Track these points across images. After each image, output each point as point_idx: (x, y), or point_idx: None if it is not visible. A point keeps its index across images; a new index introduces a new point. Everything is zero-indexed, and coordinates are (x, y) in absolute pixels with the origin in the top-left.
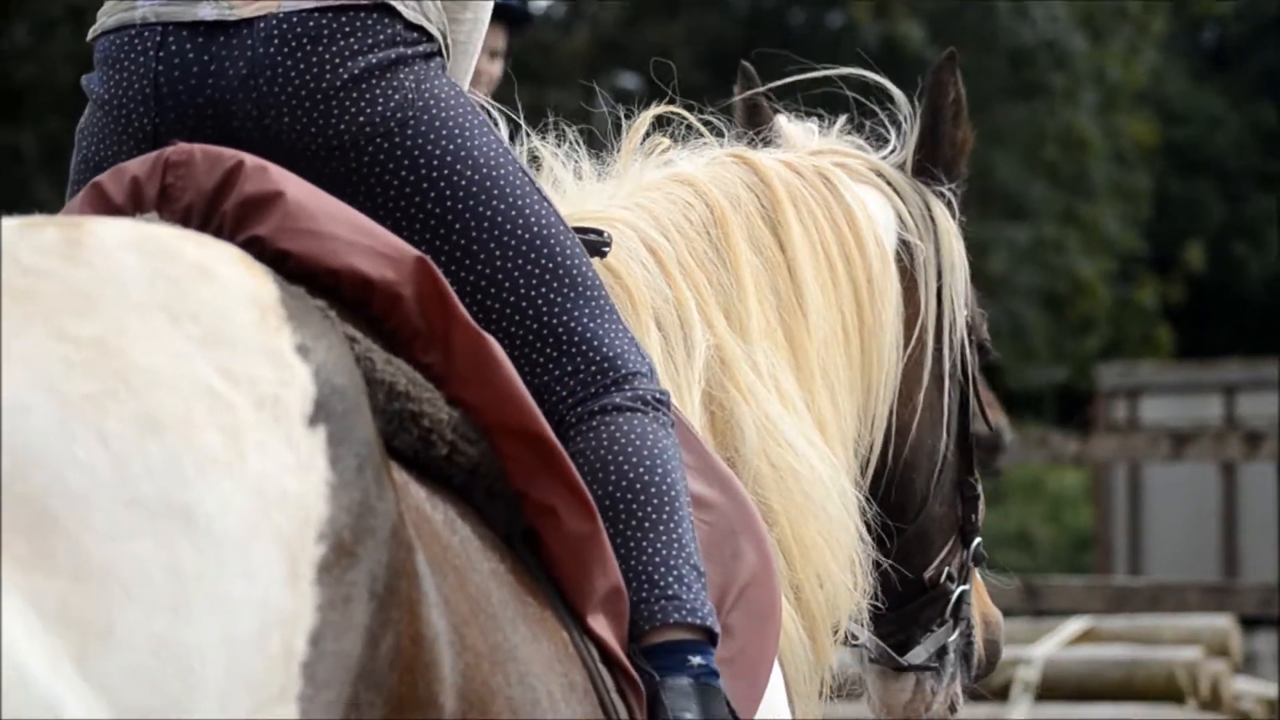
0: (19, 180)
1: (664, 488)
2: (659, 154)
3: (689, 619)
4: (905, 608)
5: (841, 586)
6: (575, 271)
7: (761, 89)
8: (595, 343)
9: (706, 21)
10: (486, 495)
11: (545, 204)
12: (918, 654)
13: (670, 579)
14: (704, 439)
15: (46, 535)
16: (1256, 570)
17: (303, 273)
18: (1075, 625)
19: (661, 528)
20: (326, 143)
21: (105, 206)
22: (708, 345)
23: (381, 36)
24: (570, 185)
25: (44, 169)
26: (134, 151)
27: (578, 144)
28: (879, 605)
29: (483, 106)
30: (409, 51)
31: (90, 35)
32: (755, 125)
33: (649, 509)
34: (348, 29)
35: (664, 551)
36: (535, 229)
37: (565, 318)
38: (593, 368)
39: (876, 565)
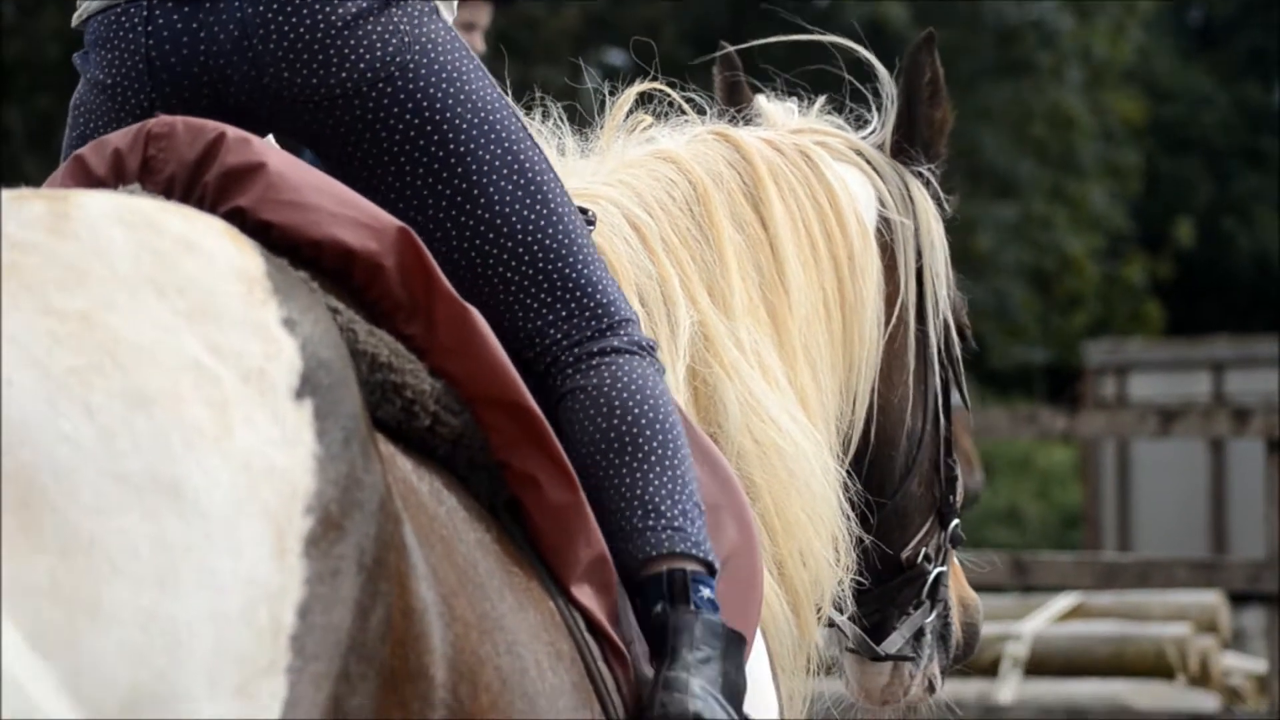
0: (7, 158)
1: (665, 426)
2: (641, 131)
3: (693, 550)
4: (882, 587)
5: (824, 563)
6: (568, 218)
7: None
8: (590, 288)
9: None
10: (469, 466)
11: (537, 149)
12: (894, 641)
13: (675, 511)
14: (688, 414)
15: (34, 510)
16: (1245, 546)
17: (285, 244)
18: (1064, 601)
19: (665, 463)
20: (329, 92)
21: (87, 179)
22: (691, 322)
23: None
24: (554, 162)
25: (32, 146)
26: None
27: (562, 121)
28: (861, 582)
29: None
30: None
31: (75, 21)
32: (735, 104)
33: (654, 444)
34: None
35: (669, 485)
36: (531, 174)
37: (561, 263)
38: (588, 312)
39: (859, 542)
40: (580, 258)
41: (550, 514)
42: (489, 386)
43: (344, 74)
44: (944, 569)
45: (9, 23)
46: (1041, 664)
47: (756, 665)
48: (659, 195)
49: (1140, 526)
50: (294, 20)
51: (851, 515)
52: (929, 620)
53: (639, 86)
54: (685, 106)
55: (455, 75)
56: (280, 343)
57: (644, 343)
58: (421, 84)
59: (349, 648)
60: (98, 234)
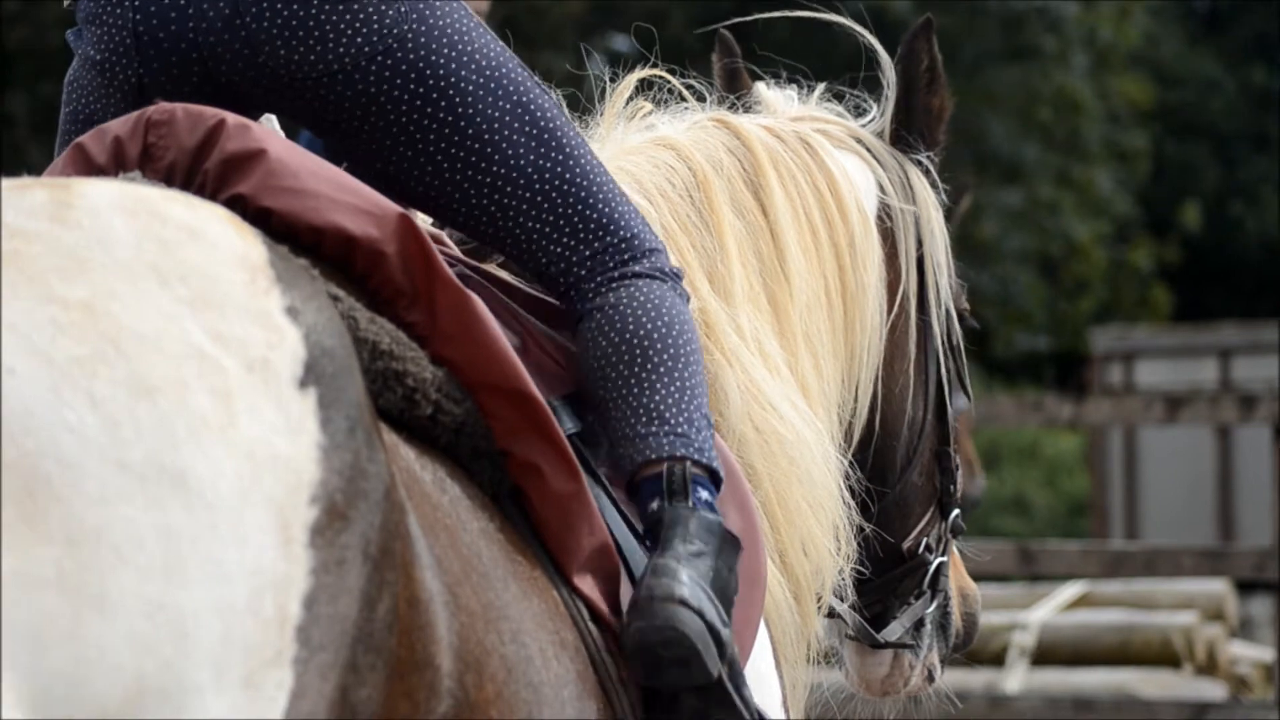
0: (11, 145)
1: (681, 342)
2: (641, 118)
3: (696, 455)
4: (883, 577)
5: (825, 552)
6: (584, 159)
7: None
8: (612, 224)
9: None
10: (472, 454)
11: (546, 96)
12: (894, 630)
13: (681, 419)
14: None
15: (39, 500)
16: (1252, 534)
17: (285, 231)
18: (1071, 590)
19: (676, 375)
20: (328, 68)
21: (88, 167)
22: (693, 309)
23: None
24: None
25: (35, 133)
26: (121, 105)
27: (562, 107)
28: (862, 571)
29: None
30: None
31: (67, 1)
32: (734, 91)
33: (665, 356)
34: None
35: (676, 395)
36: (543, 122)
37: (581, 205)
38: (611, 246)
39: (860, 531)
40: (600, 195)
41: (553, 502)
42: (491, 373)
43: (341, 49)
44: (944, 559)
45: (13, 10)
46: (1048, 653)
47: (759, 655)
48: (659, 182)
49: (1147, 514)
50: None
51: (853, 504)
52: (929, 610)
53: (639, 73)
54: (685, 93)
55: (455, 38)
56: (283, 331)
57: (667, 269)
58: (422, 52)
59: (355, 638)
60: (100, 222)
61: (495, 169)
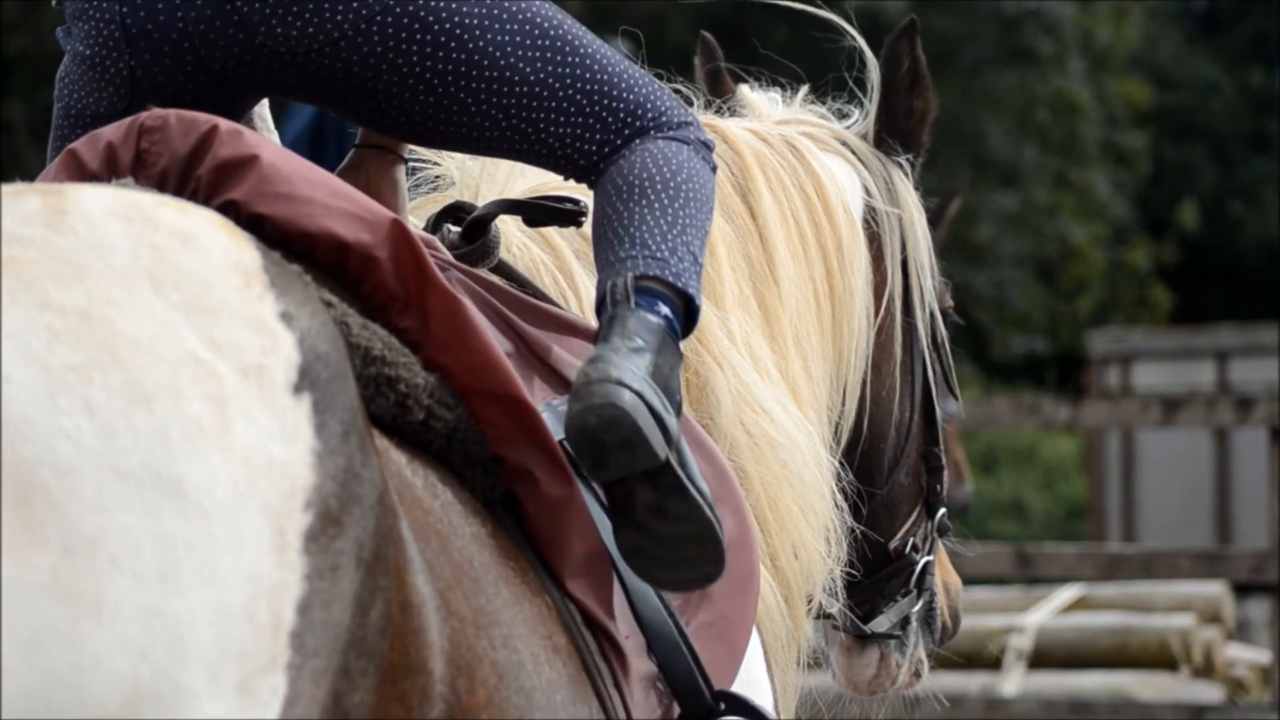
0: (10, 151)
1: (682, 181)
2: None
3: (670, 278)
4: (871, 577)
5: (816, 554)
6: (601, 54)
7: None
8: (643, 106)
9: None
10: (464, 460)
11: (547, 5)
12: (880, 624)
13: (664, 248)
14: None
15: (35, 508)
16: (1250, 536)
17: (278, 237)
18: (1068, 593)
19: (669, 208)
20: (328, 38)
21: (81, 173)
22: None
23: None
24: None
25: (35, 140)
26: (114, 98)
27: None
28: (853, 574)
29: None
30: None
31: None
32: (718, 94)
33: (661, 192)
34: None
35: (665, 226)
36: (553, 31)
37: (609, 99)
38: (645, 124)
39: (850, 533)
40: (623, 85)
41: (546, 508)
42: (483, 379)
43: (340, 16)
44: (931, 558)
45: (12, 18)
46: (1045, 656)
47: (752, 659)
48: None
49: (1145, 517)
50: None
51: (844, 506)
52: (915, 609)
53: None
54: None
55: None
56: (278, 337)
57: (693, 137)
58: (419, 4)
59: (348, 643)
60: (95, 228)
61: (518, 90)
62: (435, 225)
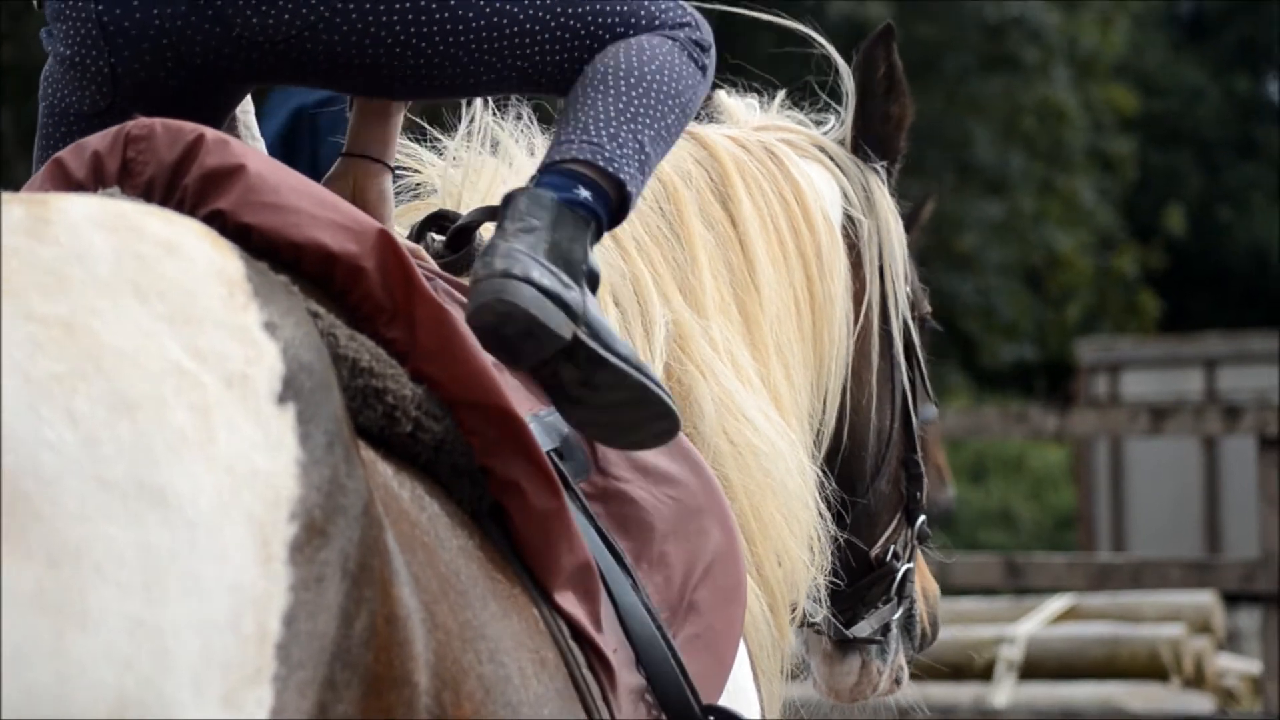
0: None
1: (656, 79)
2: None
3: (600, 162)
4: (852, 585)
5: (799, 563)
6: None
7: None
8: (636, 14)
9: None
10: (452, 472)
11: None
12: (863, 629)
13: (604, 134)
14: None
15: (19, 518)
16: (1240, 545)
17: (266, 247)
18: (1058, 603)
19: (626, 98)
20: (305, 23)
21: (66, 182)
22: (666, 321)
23: None
24: (522, 160)
25: (23, 150)
26: (97, 95)
27: (531, 120)
28: (836, 582)
29: None
30: None
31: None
32: None
33: (624, 83)
34: None
35: (612, 114)
36: None
37: (600, 15)
38: (632, 29)
39: (834, 541)
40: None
41: (533, 520)
42: (471, 390)
43: (313, 1)
44: (912, 565)
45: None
46: (1036, 667)
47: (739, 669)
48: None
49: (1134, 526)
50: None
51: (827, 514)
52: (896, 615)
53: None
54: None
55: None
56: (262, 346)
57: (685, 36)
58: None
59: (334, 655)
60: (78, 238)
61: (509, 32)
62: (419, 234)
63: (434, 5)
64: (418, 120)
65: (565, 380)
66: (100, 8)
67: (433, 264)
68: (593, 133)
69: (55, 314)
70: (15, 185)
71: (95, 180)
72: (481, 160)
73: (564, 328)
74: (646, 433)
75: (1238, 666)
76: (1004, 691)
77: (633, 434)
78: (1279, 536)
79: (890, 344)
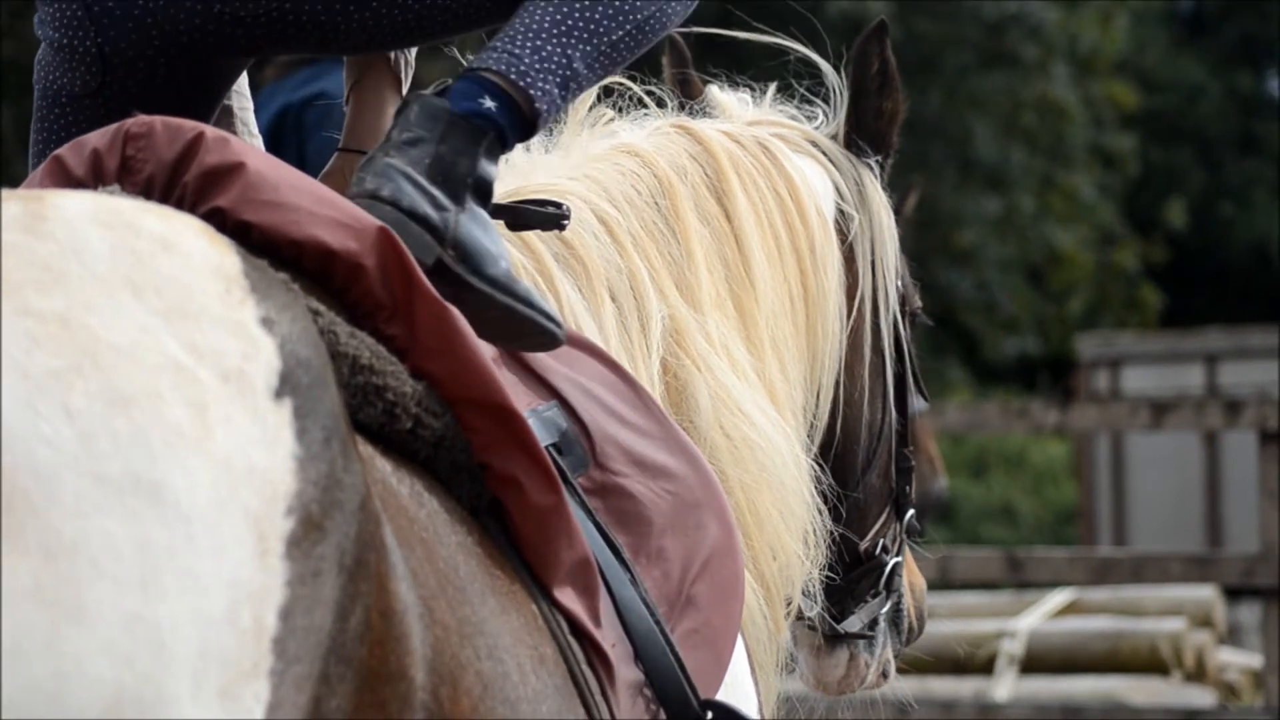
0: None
1: None
2: (603, 125)
3: (513, 75)
4: (843, 579)
5: (794, 557)
6: None
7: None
8: None
9: None
10: (451, 468)
11: None
12: (853, 624)
13: (526, 48)
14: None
15: (16, 514)
16: (1241, 539)
17: (266, 244)
18: (1059, 598)
19: (563, 13)
20: None
21: (66, 179)
22: (662, 316)
23: None
24: (518, 157)
25: (22, 147)
26: (88, 75)
27: None
28: (832, 576)
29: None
30: None
31: None
32: (689, 97)
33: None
34: None
35: (540, 28)
36: None
37: None
38: None
39: (830, 535)
40: None
41: (532, 516)
42: (470, 387)
43: None
44: (900, 559)
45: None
46: (1037, 661)
47: (736, 663)
48: (625, 189)
49: (1135, 521)
50: None
51: (823, 509)
52: (884, 610)
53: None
54: (646, 99)
55: None
56: (258, 342)
57: None
58: None
59: (329, 649)
60: (75, 234)
61: None
62: None
63: None
64: None
65: (444, 293)
66: None
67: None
68: (517, 44)
69: (52, 309)
70: (14, 182)
71: (95, 178)
72: None
73: (425, 252)
74: (532, 341)
75: (1239, 661)
76: (1005, 686)
77: (521, 340)
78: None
79: (880, 338)
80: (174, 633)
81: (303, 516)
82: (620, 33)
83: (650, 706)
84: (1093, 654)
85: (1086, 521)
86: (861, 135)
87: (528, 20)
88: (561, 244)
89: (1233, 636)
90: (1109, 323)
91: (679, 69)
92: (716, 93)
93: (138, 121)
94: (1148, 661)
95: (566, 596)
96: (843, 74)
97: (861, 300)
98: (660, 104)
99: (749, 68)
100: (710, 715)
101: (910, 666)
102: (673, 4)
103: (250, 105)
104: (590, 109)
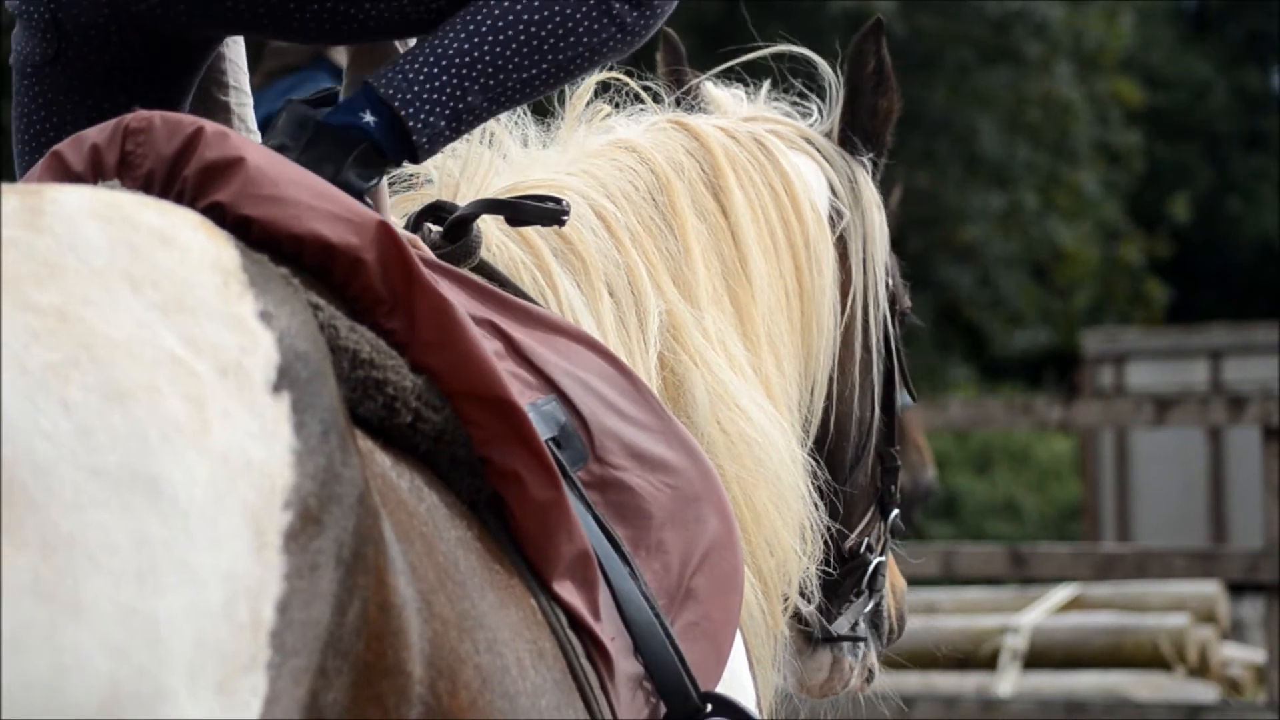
0: (4, 155)
1: (521, 31)
2: (600, 120)
3: (396, 104)
4: (830, 577)
5: (791, 552)
6: None
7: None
8: None
9: None
10: (451, 462)
11: None
12: (841, 625)
13: (422, 75)
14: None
15: (14, 507)
16: (1245, 535)
17: (265, 239)
18: (1062, 593)
19: (475, 43)
20: None
21: (65, 175)
22: (660, 311)
23: None
24: (516, 152)
25: None
26: (45, 43)
27: (525, 112)
28: (829, 571)
29: None
30: None
31: None
32: (683, 93)
33: (484, 28)
34: None
35: (451, 54)
36: None
37: None
38: None
39: (827, 530)
40: None
41: (532, 510)
42: (470, 381)
43: None
44: (884, 559)
45: (4, 20)
46: (1041, 656)
47: (735, 658)
48: (622, 185)
49: (1139, 517)
50: None
51: (820, 504)
52: (866, 609)
53: (597, 76)
54: (642, 94)
55: None
56: (256, 336)
57: None
58: None
59: (327, 643)
60: (73, 228)
61: None
62: (415, 224)
63: None
64: None
65: None
66: None
67: (429, 254)
68: (415, 67)
69: (49, 303)
70: (18, 177)
71: (94, 173)
72: (479, 152)
73: None
74: None
75: (1242, 656)
76: (1008, 681)
77: None
78: None
79: (871, 335)
80: (171, 626)
81: (300, 510)
82: (535, 70)
83: (650, 700)
84: (1096, 649)
85: (1090, 517)
86: (856, 133)
87: (437, 44)
88: (560, 239)
89: (1236, 632)
90: (1114, 318)
91: (673, 65)
92: (711, 89)
93: (137, 117)
94: (1151, 657)
95: (566, 590)
96: (839, 71)
97: (853, 297)
98: (657, 99)
99: (751, 65)
100: (710, 708)
101: (914, 662)
102: (603, 36)
103: (249, 102)
104: (587, 104)
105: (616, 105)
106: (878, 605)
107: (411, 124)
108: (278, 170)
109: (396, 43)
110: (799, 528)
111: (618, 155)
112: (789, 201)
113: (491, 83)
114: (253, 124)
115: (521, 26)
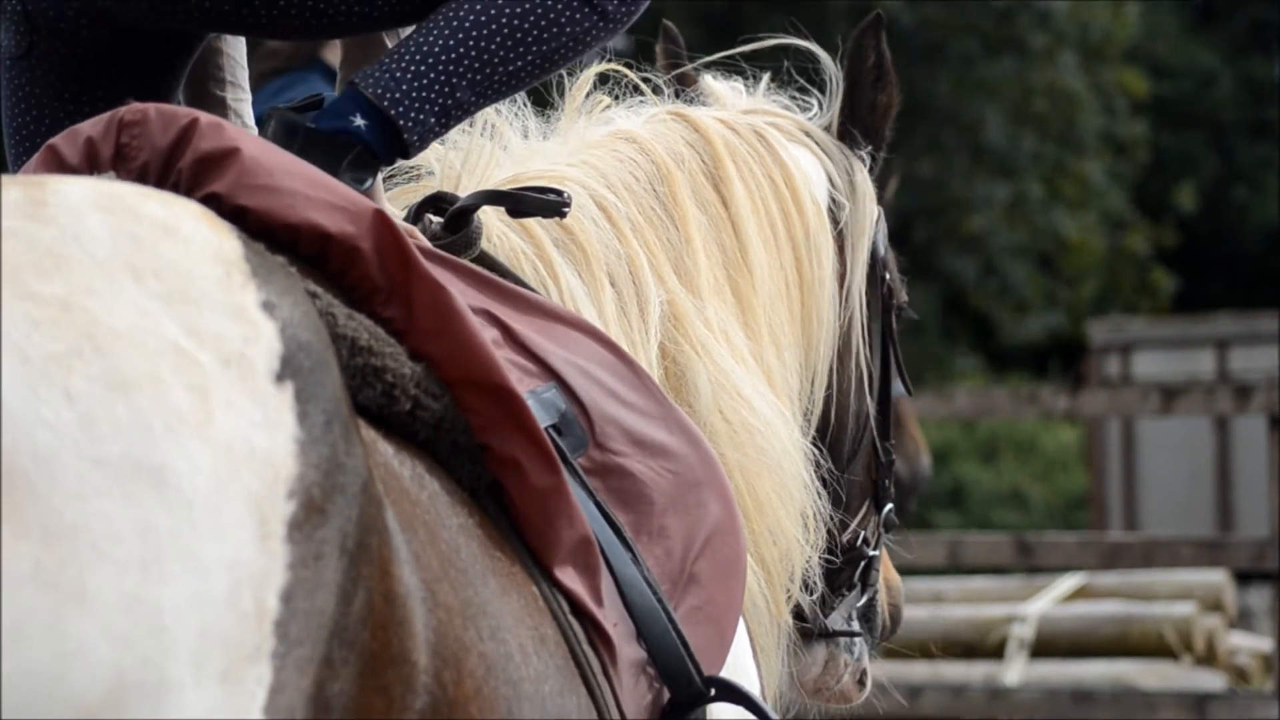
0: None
1: (504, 24)
2: (600, 112)
3: (385, 103)
4: (825, 571)
5: (794, 541)
6: None
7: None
8: None
9: None
10: (451, 449)
11: None
12: (836, 620)
13: (409, 73)
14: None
15: (17, 497)
16: (1252, 524)
17: (261, 229)
18: (1069, 582)
19: (457, 38)
20: None
21: (61, 168)
22: (661, 301)
23: None
24: (517, 144)
25: None
26: (18, 35)
27: (525, 103)
28: (832, 560)
29: None
30: None
31: None
32: (683, 85)
33: (468, 23)
34: None
35: (436, 51)
36: None
37: None
38: None
39: (830, 520)
40: None
41: (532, 497)
42: (469, 368)
43: None
44: (878, 553)
45: None
46: (1047, 645)
47: (738, 644)
48: (623, 176)
49: (1146, 506)
50: None
51: (822, 493)
52: (858, 605)
53: (597, 67)
54: (642, 86)
55: None
56: (259, 326)
57: None
58: None
59: (331, 632)
60: (75, 219)
61: None
62: (416, 215)
63: None
64: None
65: None
66: None
67: (426, 243)
68: (402, 66)
69: (52, 294)
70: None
71: (89, 166)
72: (480, 143)
73: None
74: None
75: (1249, 644)
76: (1015, 670)
77: None
78: None
79: (870, 328)
80: (175, 615)
81: (304, 500)
82: (520, 62)
83: (653, 684)
84: (1103, 638)
85: (1097, 506)
86: (855, 127)
87: (421, 41)
88: (561, 230)
89: (1243, 620)
90: (1120, 308)
91: (673, 56)
92: (710, 81)
93: (132, 109)
94: (1158, 645)
95: (567, 576)
96: (839, 65)
97: (850, 290)
98: (656, 91)
99: (753, 58)
100: (713, 692)
101: (921, 652)
102: (589, 34)
103: (247, 99)
104: (587, 96)
105: (616, 97)
106: (871, 600)
107: (402, 124)
108: (273, 160)
109: (386, 39)
110: (801, 517)
111: (618, 146)
112: (789, 193)
113: (478, 77)
114: (250, 120)
115: (504, 19)
